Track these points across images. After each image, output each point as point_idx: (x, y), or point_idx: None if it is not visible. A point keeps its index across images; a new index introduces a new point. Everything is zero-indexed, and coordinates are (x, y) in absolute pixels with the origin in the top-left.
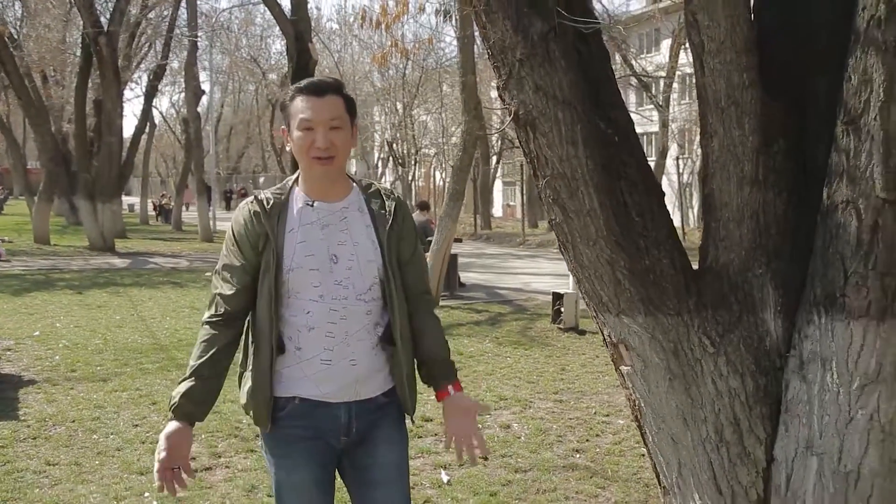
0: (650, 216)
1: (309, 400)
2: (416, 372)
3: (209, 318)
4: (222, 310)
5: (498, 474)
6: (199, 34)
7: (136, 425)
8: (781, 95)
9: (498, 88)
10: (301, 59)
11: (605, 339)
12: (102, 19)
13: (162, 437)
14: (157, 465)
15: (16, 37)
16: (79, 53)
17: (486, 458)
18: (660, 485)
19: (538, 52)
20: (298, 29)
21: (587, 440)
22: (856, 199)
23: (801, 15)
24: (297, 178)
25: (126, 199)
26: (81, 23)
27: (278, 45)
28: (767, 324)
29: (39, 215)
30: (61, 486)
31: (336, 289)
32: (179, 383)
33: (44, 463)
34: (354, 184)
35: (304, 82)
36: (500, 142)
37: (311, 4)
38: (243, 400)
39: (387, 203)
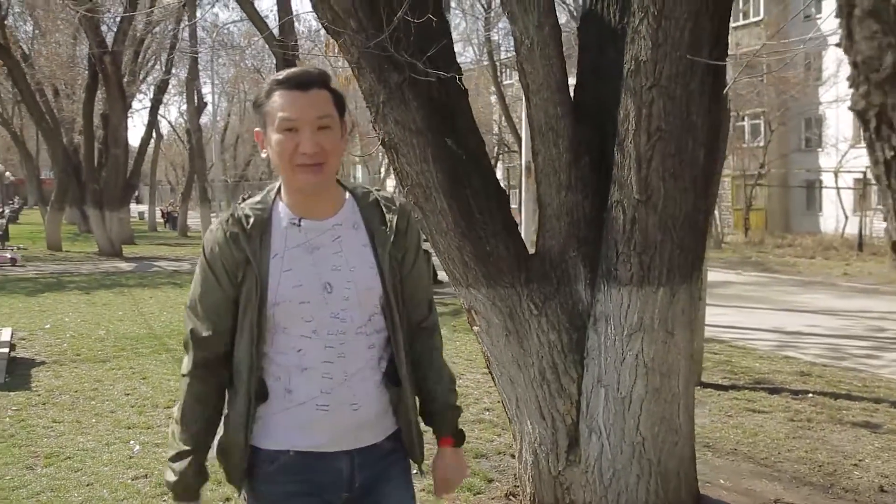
0: (489, 214)
1: (305, 452)
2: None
3: (189, 370)
4: (200, 356)
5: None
6: (200, 50)
7: (128, 394)
8: (590, 121)
9: (371, 122)
10: None
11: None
12: (108, 39)
13: None
14: None
15: (28, 53)
16: (87, 69)
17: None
18: (507, 415)
19: (395, 96)
20: (285, 49)
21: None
22: (622, 199)
23: (606, 60)
24: (279, 188)
25: (136, 207)
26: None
27: None
28: (579, 293)
29: (52, 223)
30: (65, 437)
31: (332, 322)
32: (175, 461)
33: (51, 421)
34: (349, 193)
35: (282, 74)
36: (496, 147)
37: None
38: (214, 450)
39: (387, 216)
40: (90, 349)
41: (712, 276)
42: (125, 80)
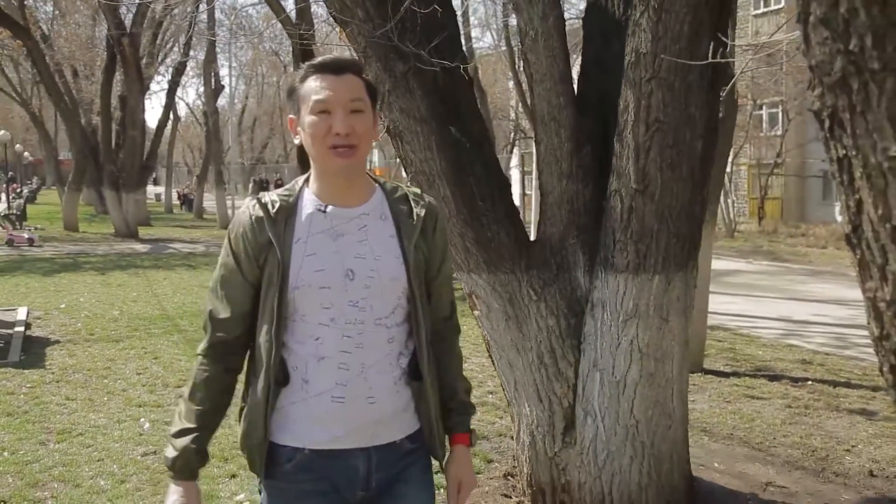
0: (491, 202)
1: (320, 450)
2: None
3: (205, 349)
4: (217, 337)
5: None
6: (218, 33)
7: (140, 373)
8: (592, 112)
9: (378, 109)
10: (305, 58)
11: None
12: (126, 21)
13: (176, 501)
14: None
15: (47, 34)
16: (106, 50)
17: None
18: (506, 398)
19: (401, 84)
20: (303, 33)
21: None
22: (620, 189)
23: (609, 52)
24: (308, 178)
25: (153, 189)
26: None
27: None
28: (578, 279)
29: (69, 204)
30: (77, 414)
31: (351, 311)
32: (178, 437)
33: (64, 398)
34: (378, 186)
35: (317, 60)
36: (513, 132)
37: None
38: (239, 441)
39: (415, 210)
40: (104, 329)
41: (723, 264)
42: (143, 62)
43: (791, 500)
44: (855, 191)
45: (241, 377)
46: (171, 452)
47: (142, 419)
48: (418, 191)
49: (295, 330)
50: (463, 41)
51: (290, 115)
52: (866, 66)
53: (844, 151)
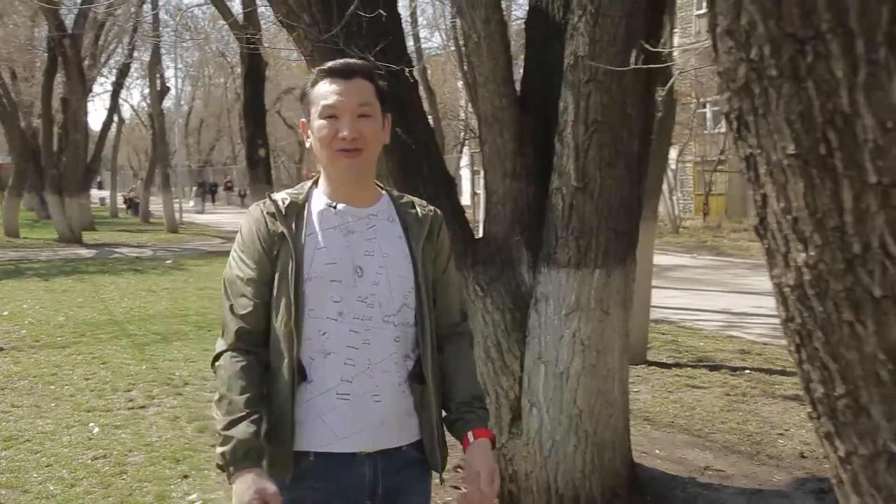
0: (438, 201)
1: (326, 454)
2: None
3: (228, 346)
4: (242, 329)
5: None
6: (162, 34)
7: (87, 379)
8: (535, 112)
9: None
10: (253, 61)
11: None
12: (67, 21)
13: (246, 492)
14: None
15: None
16: (46, 52)
17: None
18: None
19: None
20: (250, 36)
21: None
22: (561, 187)
23: (551, 55)
24: (317, 180)
25: (97, 193)
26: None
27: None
28: (522, 275)
29: (9, 209)
30: (24, 421)
31: (359, 306)
32: (231, 426)
33: (9, 406)
34: (385, 192)
35: (328, 64)
36: (463, 132)
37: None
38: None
39: (421, 213)
40: (49, 335)
41: (668, 259)
42: (85, 63)
43: (727, 482)
44: (761, 186)
45: None
46: (227, 445)
47: (91, 424)
48: (423, 201)
49: (304, 325)
50: (411, 42)
51: (302, 119)
52: (765, 73)
53: (750, 150)
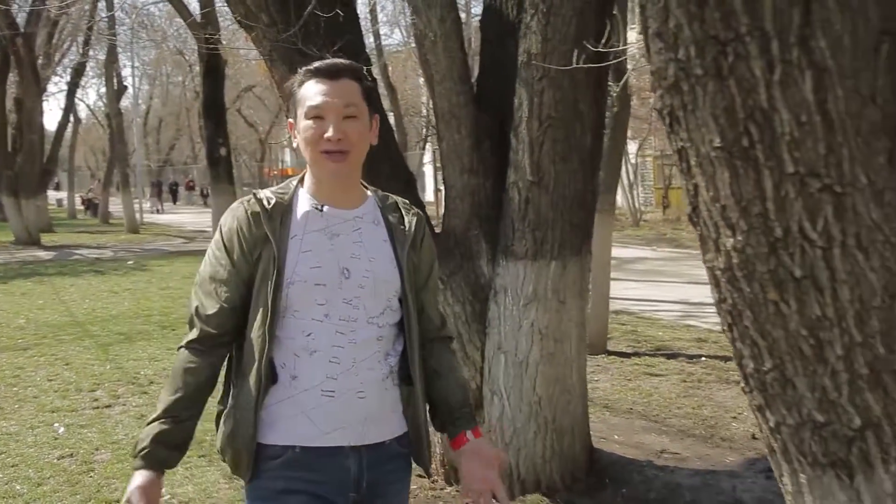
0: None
1: (311, 448)
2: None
3: (186, 343)
4: (204, 332)
5: None
6: (118, 31)
7: (51, 380)
8: (491, 109)
9: (286, 113)
10: (211, 59)
11: None
12: (20, 20)
13: (134, 489)
14: None
15: None
16: None
17: None
18: None
19: None
20: (208, 31)
21: None
22: (517, 181)
23: (505, 52)
24: (302, 178)
25: (54, 194)
26: None
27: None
28: (481, 267)
29: None
30: None
31: (344, 308)
32: (149, 424)
33: None
34: (370, 193)
35: (315, 64)
36: (425, 129)
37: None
38: (219, 443)
39: (406, 218)
40: (10, 338)
41: (629, 252)
42: (39, 62)
43: (682, 464)
44: (692, 177)
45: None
46: (141, 441)
47: (56, 424)
48: (407, 200)
49: (285, 325)
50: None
51: (290, 119)
52: (692, 72)
53: (682, 143)
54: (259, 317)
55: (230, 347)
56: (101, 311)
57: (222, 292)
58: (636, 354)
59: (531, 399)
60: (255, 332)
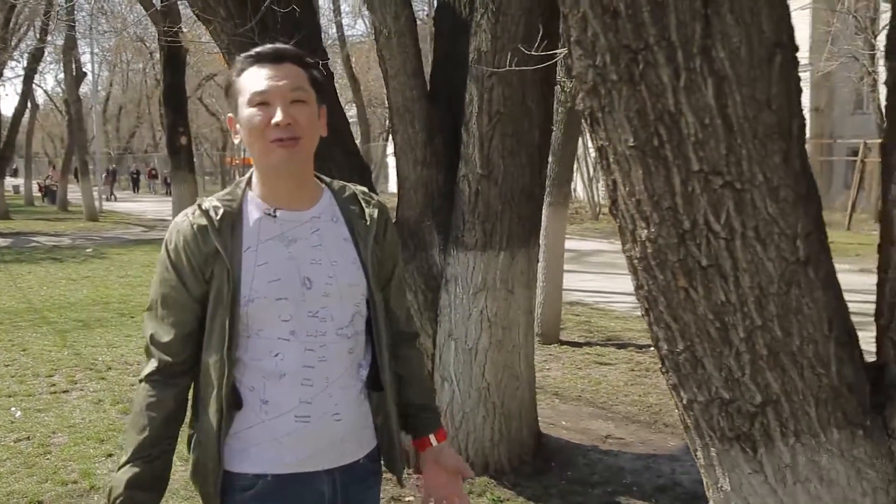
0: None
1: (284, 475)
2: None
3: (148, 374)
4: (162, 361)
5: None
6: (77, 17)
7: (7, 365)
8: (444, 104)
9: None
10: (172, 48)
11: None
12: None
13: None
14: None
15: None
16: None
17: None
18: None
19: None
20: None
21: None
22: (468, 174)
23: (458, 49)
24: (249, 180)
25: (11, 181)
26: None
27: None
28: (433, 257)
29: None
30: None
31: (311, 322)
32: (120, 468)
33: None
34: (325, 186)
35: (256, 49)
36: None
37: None
38: (189, 472)
39: (367, 210)
40: None
41: (587, 245)
42: None
43: (626, 449)
44: (611, 173)
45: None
46: (115, 488)
47: (12, 408)
48: (366, 189)
49: (250, 346)
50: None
51: (230, 115)
52: (608, 78)
53: (601, 142)
54: (215, 340)
55: (192, 373)
56: (58, 298)
57: (176, 317)
58: (588, 344)
59: (480, 385)
60: (213, 358)
